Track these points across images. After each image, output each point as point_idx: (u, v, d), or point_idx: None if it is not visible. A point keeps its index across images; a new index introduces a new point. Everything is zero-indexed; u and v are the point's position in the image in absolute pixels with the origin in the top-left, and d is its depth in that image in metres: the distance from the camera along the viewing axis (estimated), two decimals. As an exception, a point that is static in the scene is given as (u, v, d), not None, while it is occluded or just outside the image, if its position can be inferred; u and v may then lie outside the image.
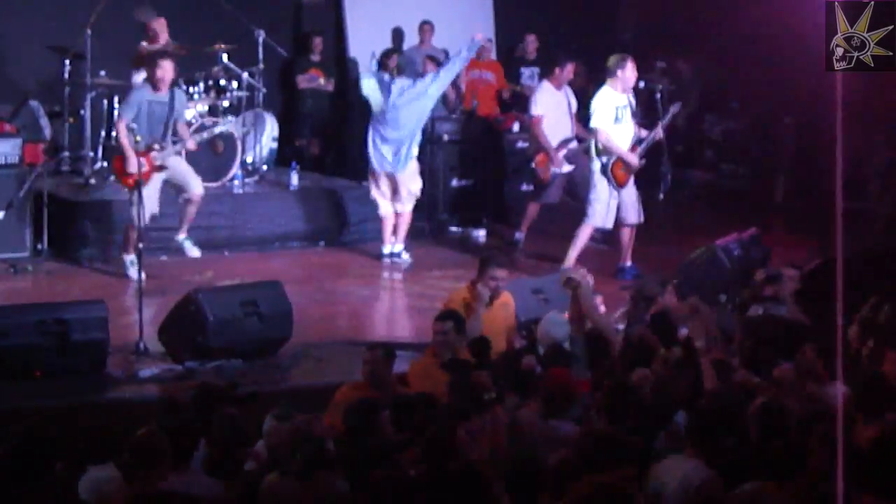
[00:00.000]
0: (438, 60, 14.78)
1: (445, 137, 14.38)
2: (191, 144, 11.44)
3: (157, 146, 11.14)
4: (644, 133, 12.09)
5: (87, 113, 13.33)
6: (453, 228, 14.25)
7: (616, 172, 11.88)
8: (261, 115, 13.97)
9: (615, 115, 11.90)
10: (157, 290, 10.63)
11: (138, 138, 10.92)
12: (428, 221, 14.15)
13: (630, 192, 12.06)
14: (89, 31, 12.94)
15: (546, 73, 13.32)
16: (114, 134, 12.31)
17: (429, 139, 14.00)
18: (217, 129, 12.21)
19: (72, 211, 12.26)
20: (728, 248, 11.46)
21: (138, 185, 10.34)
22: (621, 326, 9.60)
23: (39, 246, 12.04)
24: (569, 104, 12.85)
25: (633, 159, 11.93)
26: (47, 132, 13.32)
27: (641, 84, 15.86)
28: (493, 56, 16.59)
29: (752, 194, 16.06)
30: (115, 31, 13.51)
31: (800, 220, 13.84)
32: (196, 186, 11.50)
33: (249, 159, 13.76)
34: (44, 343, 8.68)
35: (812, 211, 12.98)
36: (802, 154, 15.73)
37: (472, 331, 8.53)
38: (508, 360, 8.19)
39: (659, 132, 12.14)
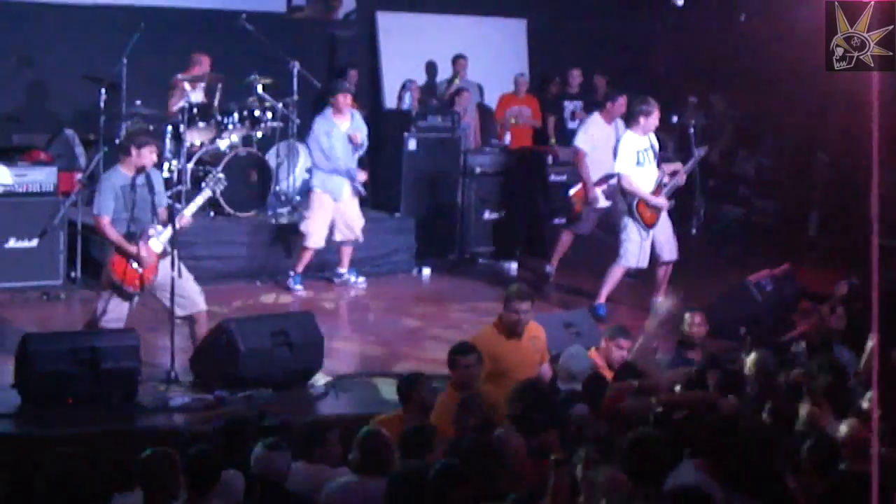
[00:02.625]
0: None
1: (477, 170, 14.41)
2: (185, 220, 9.65)
3: (151, 231, 9.46)
4: (667, 178, 12.01)
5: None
6: (484, 261, 14.24)
7: (642, 213, 11.82)
8: (294, 146, 14.02)
9: (636, 158, 11.84)
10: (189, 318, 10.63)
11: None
12: (459, 254, 14.16)
13: (663, 230, 11.98)
14: (125, 61, 13.03)
15: (590, 107, 13.28)
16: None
17: (461, 172, 14.03)
18: (201, 198, 10.03)
19: (105, 240, 12.25)
20: (760, 283, 11.42)
21: (149, 282, 9.45)
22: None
23: (73, 274, 12.10)
24: (617, 139, 12.75)
25: (658, 201, 11.85)
26: (82, 161, 13.41)
27: (675, 119, 15.89)
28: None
29: (786, 230, 15.99)
30: (151, 61, 13.58)
31: (833, 256, 13.76)
32: (200, 303, 9.77)
33: (283, 189, 13.80)
34: (76, 371, 8.70)
35: (846, 247, 12.91)
36: (836, 190, 15.66)
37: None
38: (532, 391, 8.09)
39: (682, 178, 12.07)
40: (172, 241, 9.40)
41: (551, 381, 8.78)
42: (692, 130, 13.00)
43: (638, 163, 11.84)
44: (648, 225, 11.84)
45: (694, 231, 13.94)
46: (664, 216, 11.96)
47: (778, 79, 15.75)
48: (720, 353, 9.52)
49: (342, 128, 12.55)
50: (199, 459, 6.19)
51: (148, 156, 9.47)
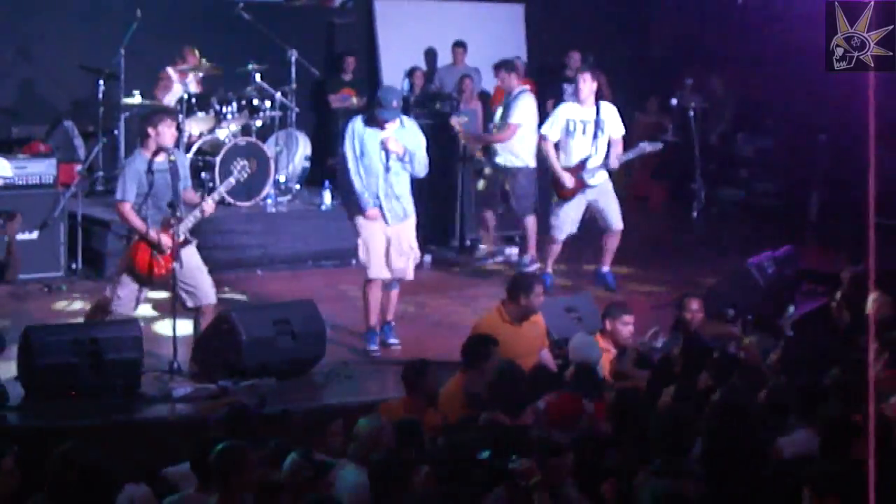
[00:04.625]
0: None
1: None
2: (208, 207, 9.46)
3: (173, 220, 9.22)
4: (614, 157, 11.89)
5: (120, 133, 13.42)
6: (483, 247, 14.23)
7: (556, 185, 12.01)
8: (293, 134, 14.04)
9: (566, 126, 11.90)
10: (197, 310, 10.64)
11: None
12: (460, 241, 14.16)
13: (601, 199, 11.97)
14: (122, 52, 13.03)
15: None
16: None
17: (460, 157, 14.04)
18: (223, 189, 9.96)
19: (105, 231, 12.29)
20: (762, 265, 11.42)
21: (173, 272, 9.23)
22: (658, 344, 9.58)
23: (73, 265, 12.11)
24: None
25: (566, 178, 11.85)
26: (81, 152, 13.41)
27: (674, 101, 15.87)
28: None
29: (786, 212, 15.99)
30: (148, 52, 13.61)
31: (834, 238, 13.76)
32: (210, 295, 9.64)
33: (282, 178, 13.82)
34: (79, 362, 8.70)
35: (846, 228, 12.92)
36: (836, 171, 15.64)
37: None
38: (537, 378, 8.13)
39: (614, 163, 11.88)
40: (195, 230, 9.42)
41: (562, 366, 8.81)
42: (692, 113, 12.97)
43: (568, 132, 11.89)
44: (561, 198, 11.98)
45: (694, 214, 13.92)
46: (603, 188, 11.93)
47: (777, 60, 15.73)
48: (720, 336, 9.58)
49: (380, 135, 10.06)
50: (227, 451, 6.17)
51: (167, 131, 9.33)
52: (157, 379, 9.18)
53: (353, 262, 11.82)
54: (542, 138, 12.07)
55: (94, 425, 8.21)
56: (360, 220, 10.13)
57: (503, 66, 13.16)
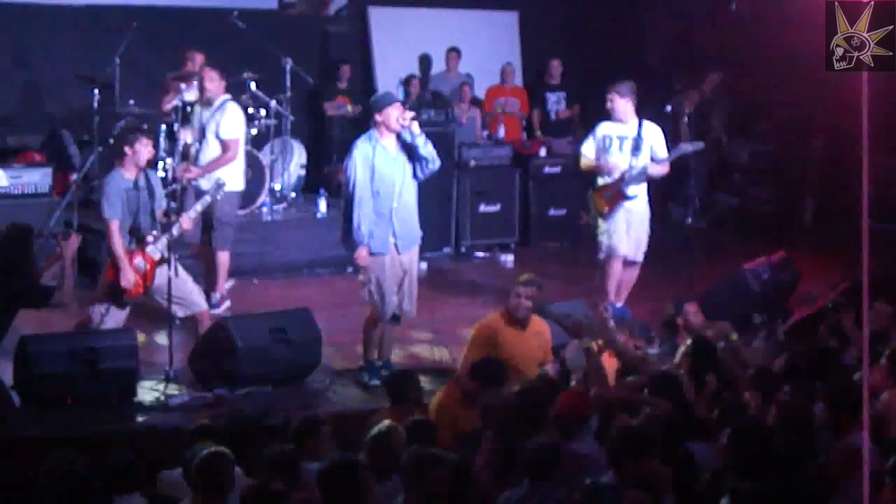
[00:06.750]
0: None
1: (472, 163, 14.40)
2: (185, 223, 9.54)
3: (149, 238, 9.41)
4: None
5: (115, 142, 13.41)
6: (479, 254, 14.25)
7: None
8: (288, 142, 14.05)
9: (602, 142, 11.11)
10: (187, 317, 10.64)
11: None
12: (455, 248, 14.17)
13: (631, 225, 11.24)
14: (117, 61, 13.04)
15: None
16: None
17: (456, 165, 14.05)
18: (200, 205, 9.92)
19: (101, 240, 12.24)
20: (756, 271, 11.42)
21: (147, 289, 9.47)
22: (653, 351, 9.59)
23: (69, 274, 12.09)
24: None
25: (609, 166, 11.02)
26: (77, 161, 13.42)
27: (668, 108, 15.88)
28: (518, 81, 16.65)
29: (781, 217, 16.00)
30: (143, 60, 13.61)
31: (829, 243, 13.77)
32: (200, 303, 9.80)
33: (278, 186, 13.83)
34: (74, 371, 8.73)
35: (841, 234, 12.93)
36: (831, 176, 15.66)
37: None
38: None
39: (654, 169, 11.02)
40: (170, 247, 9.41)
41: (562, 373, 8.79)
42: (686, 119, 12.95)
43: (604, 148, 11.09)
44: (601, 214, 11.17)
45: (689, 219, 13.94)
46: (639, 213, 11.23)
47: (771, 65, 15.74)
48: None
49: (391, 149, 9.53)
50: (215, 460, 6.17)
51: (143, 150, 9.46)
52: (153, 388, 9.19)
53: (349, 269, 11.88)
54: (580, 155, 11.23)
55: (90, 434, 8.21)
56: (367, 257, 9.48)
57: (215, 69, 11.53)
